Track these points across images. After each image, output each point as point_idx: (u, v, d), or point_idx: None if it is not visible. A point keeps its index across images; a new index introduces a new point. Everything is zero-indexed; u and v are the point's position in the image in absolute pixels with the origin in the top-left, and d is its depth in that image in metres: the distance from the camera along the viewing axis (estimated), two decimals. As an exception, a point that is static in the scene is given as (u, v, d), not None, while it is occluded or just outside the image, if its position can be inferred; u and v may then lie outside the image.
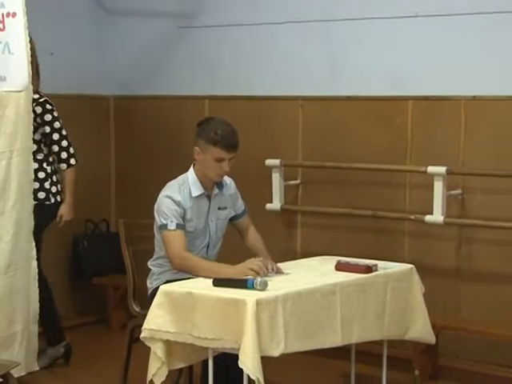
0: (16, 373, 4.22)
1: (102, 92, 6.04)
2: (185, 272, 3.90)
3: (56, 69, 5.66)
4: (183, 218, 3.94)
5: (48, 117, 4.78)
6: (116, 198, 6.15)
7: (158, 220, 3.95)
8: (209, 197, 4.07)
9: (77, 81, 5.83)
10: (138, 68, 5.99)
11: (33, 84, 4.54)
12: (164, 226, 3.91)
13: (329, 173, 5.23)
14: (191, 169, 4.07)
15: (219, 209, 4.12)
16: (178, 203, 3.94)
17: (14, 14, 4.38)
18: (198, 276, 3.80)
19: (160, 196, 3.99)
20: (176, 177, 4.11)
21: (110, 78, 6.05)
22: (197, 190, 4.01)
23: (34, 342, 4.66)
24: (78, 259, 5.83)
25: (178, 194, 3.97)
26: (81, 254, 5.82)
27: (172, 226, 3.89)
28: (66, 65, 5.77)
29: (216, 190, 4.09)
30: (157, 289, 3.68)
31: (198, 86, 5.70)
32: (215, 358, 3.55)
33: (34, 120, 4.66)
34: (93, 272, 5.84)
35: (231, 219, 4.19)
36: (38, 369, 4.68)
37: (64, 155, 4.85)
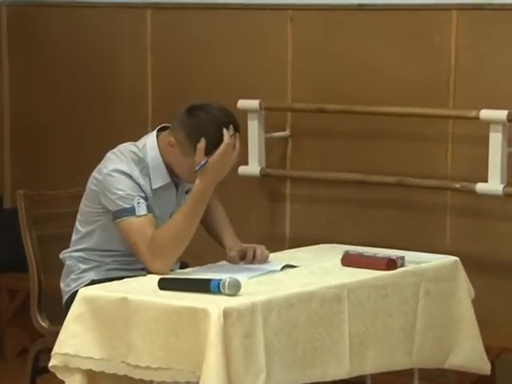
0: None
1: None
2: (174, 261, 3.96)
3: None
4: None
5: None
6: (12, 164, 6.17)
7: (114, 204, 3.96)
8: (176, 184, 4.14)
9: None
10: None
11: None
12: (130, 211, 3.93)
13: (331, 120, 5.25)
14: (154, 144, 4.06)
15: (187, 193, 4.18)
16: (136, 178, 3.98)
17: None
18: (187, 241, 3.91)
19: (105, 172, 3.99)
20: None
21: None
22: (159, 180, 4.07)
23: None
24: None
25: (135, 167, 4.01)
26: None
27: (142, 211, 3.93)
28: None
29: None
30: (76, 293, 3.68)
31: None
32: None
33: None
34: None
35: None
36: None
37: None
